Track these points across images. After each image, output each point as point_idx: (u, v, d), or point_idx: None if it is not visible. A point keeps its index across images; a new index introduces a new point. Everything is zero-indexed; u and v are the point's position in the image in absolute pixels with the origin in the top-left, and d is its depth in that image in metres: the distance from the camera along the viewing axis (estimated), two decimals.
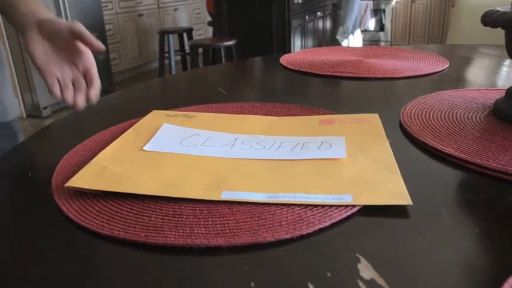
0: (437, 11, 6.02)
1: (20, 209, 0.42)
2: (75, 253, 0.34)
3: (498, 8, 0.59)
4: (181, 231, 0.35)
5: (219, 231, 0.35)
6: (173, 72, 3.60)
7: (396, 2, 6.12)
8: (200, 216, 0.37)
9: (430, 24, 6.10)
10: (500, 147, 0.50)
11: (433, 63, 0.96)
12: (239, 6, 3.35)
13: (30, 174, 0.49)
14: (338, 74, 0.87)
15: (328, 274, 0.29)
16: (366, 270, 0.29)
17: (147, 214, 0.38)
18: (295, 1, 3.56)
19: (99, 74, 0.63)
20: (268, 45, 3.42)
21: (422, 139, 0.53)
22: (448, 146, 0.50)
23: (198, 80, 0.94)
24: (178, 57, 4.20)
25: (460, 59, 1.05)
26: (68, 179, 0.44)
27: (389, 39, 6.28)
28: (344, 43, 4.63)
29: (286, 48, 3.45)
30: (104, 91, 0.61)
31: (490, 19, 0.57)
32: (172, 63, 3.62)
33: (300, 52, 1.13)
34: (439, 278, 0.28)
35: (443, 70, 0.92)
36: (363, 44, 5.50)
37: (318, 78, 0.87)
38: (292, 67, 0.95)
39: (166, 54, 3.79)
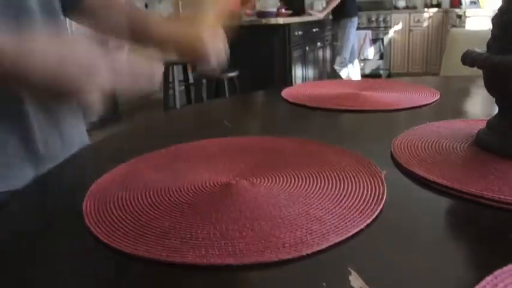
0: (434, 39, 6.15)
1: (51, 231, 0.48)
2: (105, 272, 0.39)
3: (476, 49, 0.65)
4: (197, 251, 0.41)
5: (231, 252, 0.41)
6: (177, 102, 3.69)
7: (394, 31, 6.26)
8: (214, 239, 0.43)
9: (428, 51, 6.23)
10: (479, 174, 0.55)
11: (425, 95, 1.03)
12: (241, 38, 3.45)
13: (59, 203, 0.55)
14: (336, 107, 0.94)
15: (324, 284, 0.35)
16: (355, 281, 0.35)
17: (167, 237, 0.44)
18: (296, 33, 3.67)
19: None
20: (270, 75, 3.51)
21: (410, 168, 0.58)
22: (433, 174, 0.56)
23: (206, 114, 1.00)
24: (182, 87, 4.29)
25: (450, 91, 1.12)
26: (98, 203, 0.50)
27: (388, 68, 6.40)
28: (342, 72, 4.73)
29: (288, 79, 3.54)
30: (110, 120, 0.68)
31: (469, 59, 0.63)
32: (177, 94, 3.71)
33: (300, 85, 1.20)
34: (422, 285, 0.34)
35: (434, 102, 0.98)
36: (363, 73, 5.61)
37: (317, 111, 0.94)
38: (293, 100, 1.02)
39: (171, 85, 3.89)
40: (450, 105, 0.98)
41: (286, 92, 1.09)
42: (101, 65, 0.54)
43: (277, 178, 0.57)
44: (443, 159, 0.61)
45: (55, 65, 0.52)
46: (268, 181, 0.56)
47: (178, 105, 3.67)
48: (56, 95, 0.55)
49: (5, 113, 0.67)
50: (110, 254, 0.42)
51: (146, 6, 6.47)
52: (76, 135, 0.83)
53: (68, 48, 0.54)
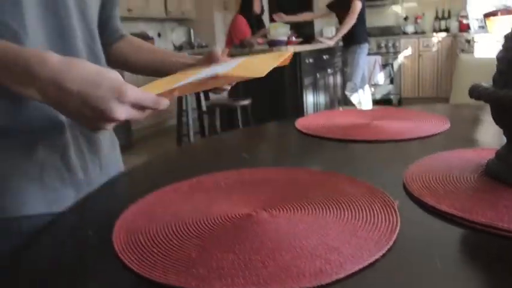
0: (444, 63, 6.18)
1: (84, 258, 0.51)
2: None
3: (482, 83, 0.68)
4: (224, 281, 0.44)
5: (255, 281, 0.44)
6: (191, 129, 3.74)
7: (404, 56, 6.31)
8: (238, 269, 0.46)
9: (438, 76, 6.25)
10: (489, 204, 0.58)
11: (436, 124, 1.05)
12: None
13: (90, 233, 0.58)
14: (349, 138, 0.97)
15: None
16: None
17: (195, 267, 0.47)
18: (307, 60, 3.74)
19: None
20: (282, 102, 3.57)
21: (422, 198, 0.61)
22: (444, 204, 0.58)
23: (224, 146, 1.04)
24: (195, 115, 4.36)
25: (460, 119, 1.15)
26: (128, 233, 0.53)
27: (399, 92, 6.43)
28: (353, 98, 4.78)
29: (299, 105, 3.59)
30: (123, 147, 0.72)
31: (475, 93, 0.67)
32: (190, 122, 3.77)
33: (313, 116, 1.24)
34: None
35: (444, 131, 1.01)
36: (374, 98, 5.64)
37: (330, 142, 0.97)
38: (306, 131, 1.05)
39: (184, 112, 3.95)
40: (460, 134, 1.01)
41: (299, 123, 1.13)
42: (116, 103, 0.58)
43: (295, 209, 0.60)
44: (454, 189, 0.64)
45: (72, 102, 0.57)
46: (286, 212, 0.60)
47: (191, 133, 3.72)
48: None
49: (48, 140, 0.72)
50: (141, 282, 0.45)
51: (159, 35, 6.62)
52: (113, 161, 0.89)
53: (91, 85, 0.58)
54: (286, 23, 4.44)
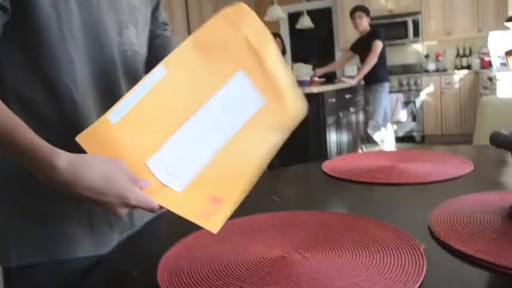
0: (467, 100, 6.17)
1: None
2: None
3: (502, 131, 0.72)
4: None
5: None
6: None
7: (426, 93, 6.33)
8: None
9: (461, 113, 6.23)
10: None
11: (459, 166, 1.09)
12: None
13: (135, 272, 0.63)
14: (374, 181, 1.01)
15: None
16: None
17: None
18: (329, 100, 3.80)
19: None
20: (306, 141, 3.62)
21: (447, 242, 0.64)
22: (469, 247, 0.62)
23: (254, 188, 1.09)
24: None
25: (484, 161, 1.18)
26: (171, 274, 0.58)
27: (421, 130, 6.41)
28: (376, 136, 4.80)
29: (322, 144, 3.63)
30: None
31: (495, 141, 0.70)
32: None
33: (339, 159, 1.28)
34: None
35: (468, 173, 1.04)
36: (396, 135, 5.65)
37: (356, 184, 1.01)
38: (333, 174, 1.10)
39: None
40: (484, 177, 1.04)
41: (326, 166, 1.17)
42: (120, 208, 0.64)
43: (326, 251, 0.64)
44: (478, 232, 0.67)
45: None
46: (318, 254, 0.64)
47: None
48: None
49: None
50: None
51: None
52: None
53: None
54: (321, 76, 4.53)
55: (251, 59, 0.75)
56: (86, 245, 0.76)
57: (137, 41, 0.91)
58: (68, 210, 0.76)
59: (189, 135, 0.70)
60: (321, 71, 4.75)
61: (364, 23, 4.80)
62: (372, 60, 4.56)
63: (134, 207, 0.64)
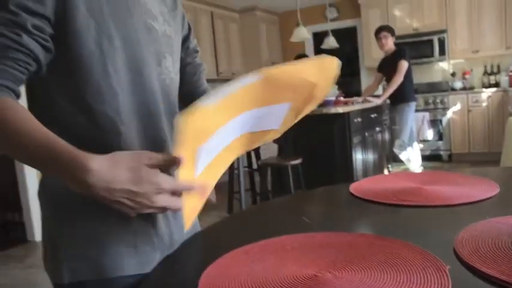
0: (495, 118, 6.10)
1: None
2: None
3: None
4: None
5: None
6: (242, 187, 3.86)
7: (453, 112, 6.28)
8: None
9: (489, 131, 6.16)
10: None
11: (485, 189, 1.11)
12: (303, 127, 3.65)
13: None
14: (400, 203, 1.04)
15: None
16: None
17: None
18: (355, 120, 3.84)
19: None
20: (332, 161, 3.65)
21: (472, 264, 0.67)
22: (493, 270, 0.65)
23: (285, 209, 1.14)
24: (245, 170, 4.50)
25: (511, 184, 1.20)
26: None
27: (448, 148, 6.35)
28: (402, 156, 4.79)
29: (349, 163, 3.66)
30: None
31: None
32: (242, 179, 3.89)
33: (366, 180, 1.32)
34: None
35: (494, 196, 1.06)
36: (423, 154, 5.61)
37: (383, 206, 1.05)
38: (360, 195, 1.13)
39: (236, 171, 4.09)
40: (510, 199, 1.06)
41: (353, 187, 1.21)
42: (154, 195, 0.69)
43: (356, 271, 0.68)
44: (502, 255, 0.70)
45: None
46: (348, 274, 0.67)
47: (242, 190, 3.84)
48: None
49: (139, 217, 0.85)
50: None
51: None
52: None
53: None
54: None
55: (305, 97, 0.87)
56: (131, 264, 0.82)
57: (173, 68, 0.97)
58: (115, 230, 0.82)
59: (224, 132, 0.78)
60: (359, 99, 4.78)
61: (390, 43, 4.83)
62: (398, 80, 4.59)
63: (168, 193, 0.69)
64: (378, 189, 1.18)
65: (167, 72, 0.94)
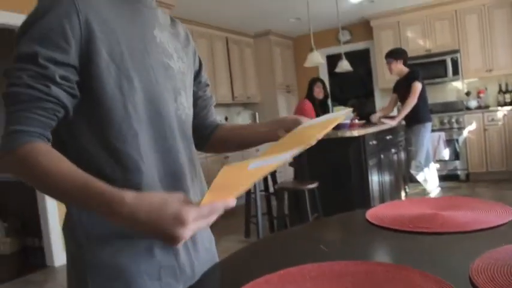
0: None
1: None
2: None
3: None
4: None
5: None
6: (259, 210, 3.89)
7: (469, 131, 6.25)
8: None
9: (507, 149, 6.11)
10: None
11: (501, 214, 1.12)
12: (319, 150, 3.68)
13: None
14: (416, 230, 1.06)
15: None
16: None
17: None
18: (370, 143, 3.85)
19: None
20: (348, 184, 3.66)
21: None
22: None
23: (302, 237, 1.16)
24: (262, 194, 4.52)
25: None
26: None
27: (465, 167, 6.31)
28: (419, 177, 4.77)
29: (364, 186, 3.66)
30: None
31: None
32: (258, 203, 3.92)
33: (382, 206, 1.34)
34: None
35: (510, 221, 1.07)
36: (440, 174, 5.57)
37: (399, 233, 1.07)
38: (377, 222, 1.15)
39: (253, 194, 4.12)
40: None
41: (369, 214, 1.23)
42: (179, 228, 0.69)
43: None
44: None
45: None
46: None
47: (259, 213, 3.86)
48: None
49: (162, 250, 0.89)
50: None
51: (226, 119, 7.00)
52: (210, 254, 1.05)
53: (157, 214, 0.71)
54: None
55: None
56: None
57: (187, 103, 1.02)
58: (140, 264, 0.86)
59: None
60: (376, 117, 4.81)
61: (398, 67, 4.86)
62: (412, 102, 4.60)
63: (192, 226, 0.69)
64: (394, 216, 1.20)
65: (183, 108, 0.99)
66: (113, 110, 0.85)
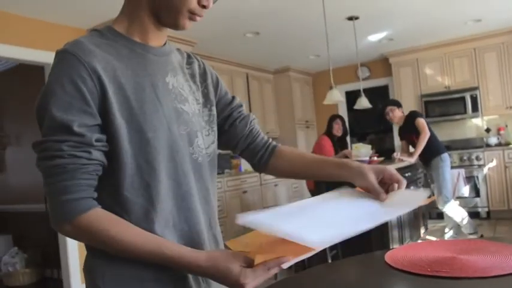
0: None
1: None
2: None
3: None
4: None
5: None
6: None
7: (489, 168, 6.19)
8: None
9: None
10: None
11: None
12: (336, 187, 3.69)
13: None
14: (435, 274, 1.08)
15: None
16: None
17: None
18: None
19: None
20: None
21: None
22: None
23: (322, 279, 1.18)
24: None
25: None
26: None
27: (486, 205, 6.22)
28: (448, 210, 4.72)
29: (383, 224, 3.64)
30: None
31: None
32: None
33: (402, 249, 1.35)
34: None
35: None
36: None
37: (418, 277, 1.08)
38: (396, 265, 1.17)
39: None
40: None
41: (388, 257, 1.25)
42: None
43: None
44: None
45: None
46: None
47: None
48: None
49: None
50: None
51: None
52: None
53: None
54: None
55: None
56: None
57: (203, 143, 1.04)
58: None
59: None
60: (396, 156, 4.83)
61: (398, 114, 4.93)
62: (425, 137, 4.62)
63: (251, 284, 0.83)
64: (412, 259, 1.22)
65: (199, 151, 1.02)
66: (126, 164, 0.89)
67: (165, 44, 1.05)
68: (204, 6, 0.97)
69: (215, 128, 1.11)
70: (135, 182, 0.90)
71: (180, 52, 1.10)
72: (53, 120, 0.84)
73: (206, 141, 1.06)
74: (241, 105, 1.21)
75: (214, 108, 1.12)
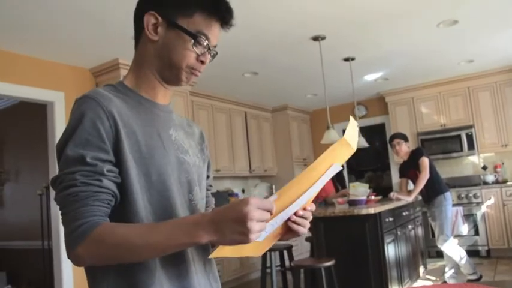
0: None
1: None
2: None
3: None
4: None
5: None
6: (275, 285, 3.86)
7: (487, 206, 6.20)
8: None
9: None
10: None
11: None
12: (335, 226, 3.72)
13: None
14: None
15: None
16: None
17: None
18: (387, 219, 3.86)
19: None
20: (365, 260, 3.65)
21: None
22: None
23: None
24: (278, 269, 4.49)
25: None
26: None
27: (486, 243, 6.20)
28: (447, 250, 4.70)
29: (381, 262, 3.64)
30: None
31: None
32: (274, 278, 3.90)
33: None
34: None
35: None
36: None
37: None
38: None
39: (268, 269, 4.10)
40: None
41: None
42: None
43: None
44: None
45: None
46: None
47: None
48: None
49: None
50: None
51: (243, 191, 7.07)
52: None
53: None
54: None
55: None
56: None
57: (200, 195, 1.11)
58: None
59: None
60: (393, 195, 4.83)
61: (404, 149, 4.96)
62: (425, 176, 4.64)
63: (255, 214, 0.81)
64: None
65: (197, 199, 1.09)
66: (132, 202, 0.94)
67: (169, 103, 1.14)
68: (202, 62, 1.05)
69: (204, 187, 1.18)
70: (139, 218, 0.94)
71: (179, 116, 1.20)
72: (69, 155, 0.90)
73: (202, 194, 1.14)
74: (211, 186, 1.27)
75: (206, 170, 1.21)
